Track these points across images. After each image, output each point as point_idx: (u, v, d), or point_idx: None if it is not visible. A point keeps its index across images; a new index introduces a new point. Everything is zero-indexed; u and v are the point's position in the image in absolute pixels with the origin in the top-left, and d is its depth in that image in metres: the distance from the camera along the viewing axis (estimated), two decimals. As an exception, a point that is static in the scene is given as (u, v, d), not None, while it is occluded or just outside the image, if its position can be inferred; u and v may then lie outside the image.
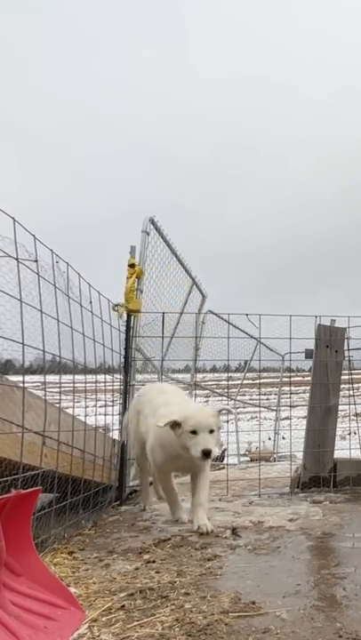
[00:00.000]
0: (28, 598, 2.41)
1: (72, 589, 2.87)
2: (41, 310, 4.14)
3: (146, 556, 3.58)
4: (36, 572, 2.56)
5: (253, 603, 2.78)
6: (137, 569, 3.32)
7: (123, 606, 2.72)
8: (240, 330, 8.30)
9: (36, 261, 4.25)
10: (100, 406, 6.12)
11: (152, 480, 5.32)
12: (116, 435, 5.92)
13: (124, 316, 6.03)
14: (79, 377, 5.34)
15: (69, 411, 5.19)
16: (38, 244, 4.17)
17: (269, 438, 10.57)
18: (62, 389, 4.98)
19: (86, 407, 5.30)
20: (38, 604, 2.43)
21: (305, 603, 2.79)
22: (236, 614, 2.64)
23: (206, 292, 8.50)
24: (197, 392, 8.96)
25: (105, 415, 6.15)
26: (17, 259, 3.88)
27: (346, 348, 6.13)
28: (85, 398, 5.45)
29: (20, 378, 4.04)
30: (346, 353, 6.14)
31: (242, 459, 9.24)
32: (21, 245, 4.01)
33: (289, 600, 2.83)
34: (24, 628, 2.22)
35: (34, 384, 4.78)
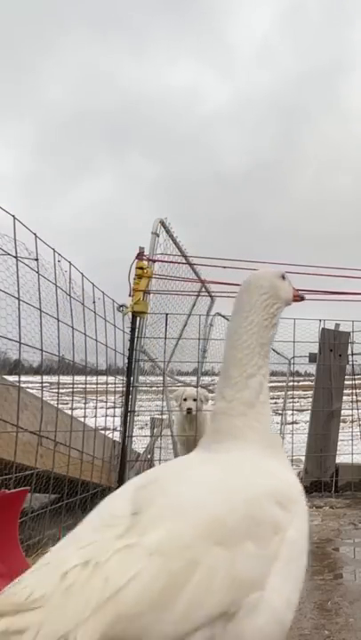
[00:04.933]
0: (11, 600, 2.37)
1: (60, 591, 2.84)
2: (40, 309, 4.13)
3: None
4: (22, 573, 2.53)
5: (242, 608, 2.74)
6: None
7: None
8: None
9: (36, 260, 4.25)
10: (101, 407, 6.10)
11: None
12: (117, 436, 5.88)
13: (130, 315, 6.00)
14: (80, 378, 5.32)
15: (74, 412, 5.17)
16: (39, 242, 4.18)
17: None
18: (64, 390, 4.97)
19: (85, 408, 5.28)
20: (21, 605, 2.39)
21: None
22: (224, 620, 2.60)
23: (215, 294, 8.42)
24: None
25: (105, 417, 6.12)
26: (16, 257, 3.88)
27: (350, 352, 6.07)
28: (85, 399, 5.43)
29: (28, 378, 4.03)
30: (349, 358, 6.09)
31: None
32: (21, 244, 4.01)
33: (279, 606, 2.79)
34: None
35: (33, 384, 4.78)
